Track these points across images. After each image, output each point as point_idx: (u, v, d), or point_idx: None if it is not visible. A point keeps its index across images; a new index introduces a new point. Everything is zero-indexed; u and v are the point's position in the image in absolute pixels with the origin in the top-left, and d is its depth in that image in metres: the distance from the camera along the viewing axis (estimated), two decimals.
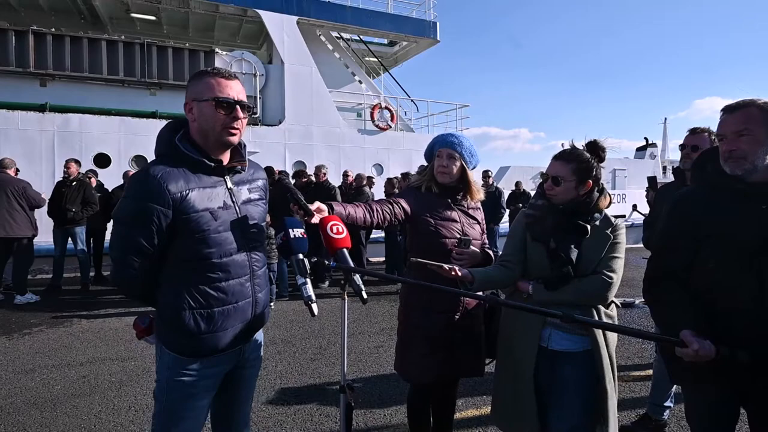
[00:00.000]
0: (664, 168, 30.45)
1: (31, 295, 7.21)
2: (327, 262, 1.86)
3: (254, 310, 1.95)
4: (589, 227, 2.26)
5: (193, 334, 1.80)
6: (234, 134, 1.84)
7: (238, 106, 1.82)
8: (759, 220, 1.77)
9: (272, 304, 6.98)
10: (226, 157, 1.92)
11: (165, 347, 1.86)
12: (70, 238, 7.97)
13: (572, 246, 2.24)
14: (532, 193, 12.26)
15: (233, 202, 1.88)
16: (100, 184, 8.99)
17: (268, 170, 8.16)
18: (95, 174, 9.22)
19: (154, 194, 1.70)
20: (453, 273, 2.16)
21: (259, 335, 2.12)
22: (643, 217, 6.85)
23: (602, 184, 2.37)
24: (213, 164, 1.84)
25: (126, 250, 1.77)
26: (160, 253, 1.79)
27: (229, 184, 1.89)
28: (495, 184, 11.42)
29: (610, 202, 2.39)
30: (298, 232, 1.88)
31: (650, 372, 3.95)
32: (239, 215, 1.88)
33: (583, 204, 2.28)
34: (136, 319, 1.98)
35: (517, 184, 12.54)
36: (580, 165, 2.28)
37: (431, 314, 2.56)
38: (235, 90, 1.83)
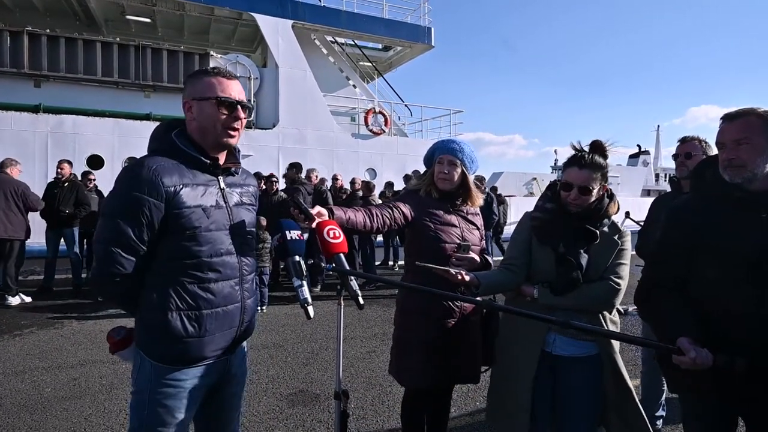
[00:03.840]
0: (657, 175, 30.72)
1: (22, 296, 7.16)
2: (324, 265, 1.86)
3: (242, 317, 1.89)
4: (598, 233, 2.25)
5: (179, 338, 1.72)
6: (233, 135, 1.82)
7: (239, 106, 1.80)
8: (758, 229, 1.77)
9: (264, 308, 6.96)
10: (222, 158, 1.89)
11: (146, 355, 1.76)
12: (62, 240, 7.91)
13: (582, 251, 2.24)
14: (512, 200, 12.27)
15: (225, 202, 1.84)
16: (94, 186, 8.94)
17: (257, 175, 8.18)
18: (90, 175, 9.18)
19: (147, 186, 1.65)
20: (459, 277, 2.15)
21: (244, 348, 2.06)
22: (635, 224, 6.89)
23: (610, 189, 2.37)
24: (209, 161, 1.81)
25: (113, 244, 1.67)
26: (149, 251, 1.72)
27: (222, 185, 1.85)
28: (487, 189, 11.46)
29: (618, 208, 2.37)
30: (294, 234, 1.86)
31: None
32: (231, 216, 1.84)
33: (595, 210, 2.27)
34: (110, 331, 1.86)
35: (494, 188, 12.55)
36: (603, 172, 2.27)
37: (428, 319, 2.55)
38: (236, 90, 1.81)
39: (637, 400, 2.25)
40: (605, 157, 2.31)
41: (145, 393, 1.76)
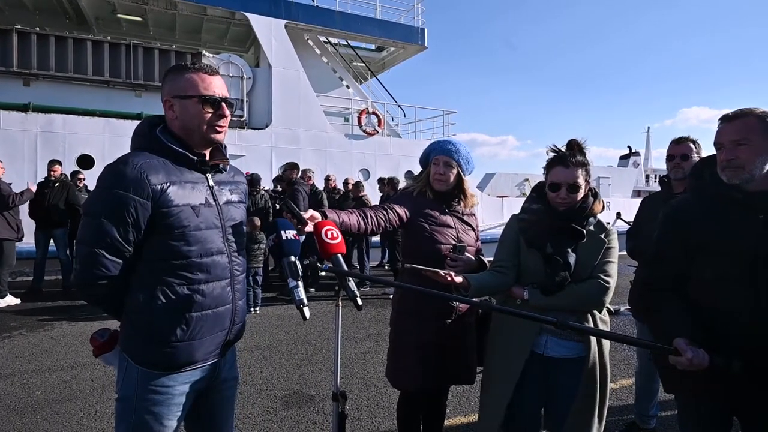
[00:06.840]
0: (647, 176, 30.93)
1: (11, 297, 7.07)
2: (320, 265, 1.83)
3: (233, 319, 1.84)
4: (585, 231, 2.25)
5: (167, 342, 1.67)
6: (220, 131, 1.79)
7: (223, 103, 1.77)
8: (755, 230, 1.76)
9: (257, 309, 6.92)
10: (208, 155, 1.85)
11: (132, 360, 1.70)
12: (52, 240, 7.83)
13: (569, 250, 2.24)
14: (505, 201, 12.29)
15: (215, 200, 1.80)
16: (84, 186, 8.86)
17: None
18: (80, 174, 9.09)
19: (133, 184, 1.59)
20: (449, 279, 2.13)
21: (235, 351, 2.02)
22: (626, 225, 6.91)
23: (594, 188, 2.37)
24: (196, 158, 1.77)
25: (96, 246, 1.60)
26: (135, 252, 1.66)
27: (211, 182, 1.81)
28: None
29: (603, 207, 2.38)
30: (290, 234, 1.84)
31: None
32: (221, 215, 1.80)
33: (580, 209, 2.27)
34: (94, 333, 1.80)
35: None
36: (587, 168, 2.28)
37: (424, 321, 2.54)
38: (219, 86, 1.78)
39: (600, 410, 2.25)
40: (584, 154, 2.32)
41: (131, 400, 1.70)
